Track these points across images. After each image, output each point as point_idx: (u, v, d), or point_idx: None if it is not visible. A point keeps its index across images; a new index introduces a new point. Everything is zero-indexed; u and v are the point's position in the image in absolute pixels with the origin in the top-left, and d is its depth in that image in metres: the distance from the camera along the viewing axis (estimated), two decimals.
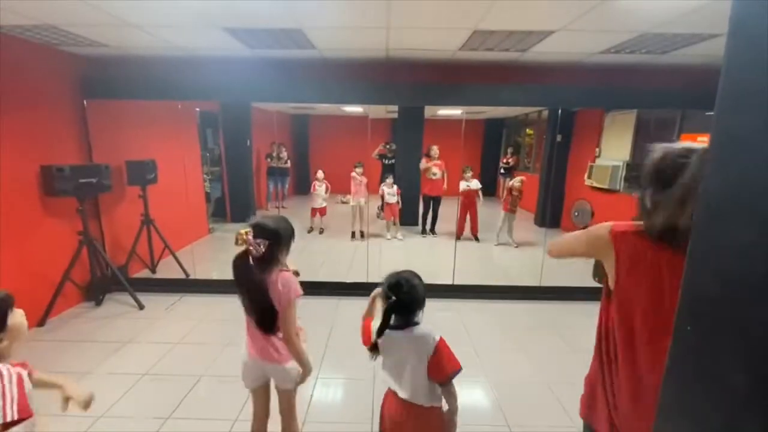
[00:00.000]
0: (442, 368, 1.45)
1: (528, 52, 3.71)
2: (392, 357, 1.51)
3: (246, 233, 1.54)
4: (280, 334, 1.67)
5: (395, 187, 6.44)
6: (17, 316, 1.26)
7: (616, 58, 3.81)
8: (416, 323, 1.49)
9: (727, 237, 0.52)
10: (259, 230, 1.55)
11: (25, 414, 1.10)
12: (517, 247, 6.26)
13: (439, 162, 6.60)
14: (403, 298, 1.44)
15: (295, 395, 1.83)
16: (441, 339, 1.47)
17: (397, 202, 6.48)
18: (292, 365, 1.72)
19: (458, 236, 6.30)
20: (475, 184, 6.37)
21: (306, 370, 1.73)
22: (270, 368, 1.74)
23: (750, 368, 0.47)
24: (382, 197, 6.52)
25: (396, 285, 1.46)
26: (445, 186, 6.65)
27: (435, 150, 6.61)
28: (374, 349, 1.51)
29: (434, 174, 6.55)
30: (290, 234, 1.65)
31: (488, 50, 3.67)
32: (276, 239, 1.57)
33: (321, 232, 6.84)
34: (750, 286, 0.48)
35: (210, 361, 3.01)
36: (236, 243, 1.56)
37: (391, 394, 1.56)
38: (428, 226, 6.90)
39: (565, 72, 4.29)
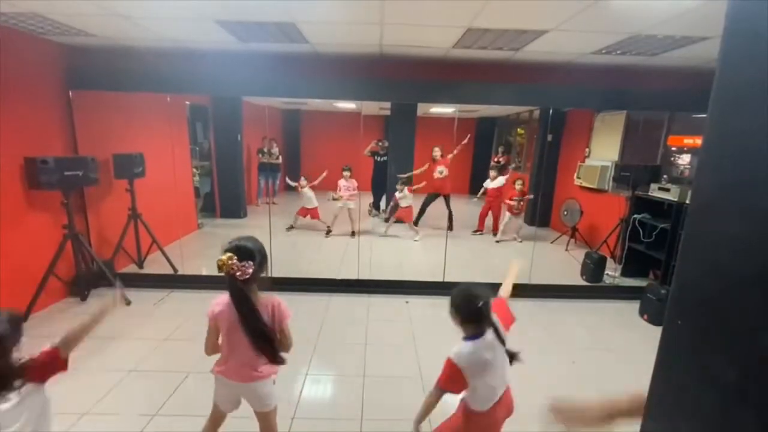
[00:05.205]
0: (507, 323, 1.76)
1: (521, 51, 3.73)
2: (495, 360, 1.61)
3: (229, 259, 1.49)
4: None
5: (405, 189, 6.37)
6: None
7: (608, 59, 3.85)
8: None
9: (718, 232, 0.52)
10: (243, 252, 1.55)
11: None
12: (514, 240, 6.55)
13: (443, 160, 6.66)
14: (484, 304, 1.59)
15: (275, 416, 1.84)
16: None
17: (409, 205, 6.43)
18: (269, 383, 1.77)
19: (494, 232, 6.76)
20: (499, 181, 6.61)
21: None
22: (246, 388, 1.74)
23: (742, 362, 0.47)
24: (388, 204, 6.46)
25: (471, 297, 1.59)
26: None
27: (437, 150, 6.69)
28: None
29: (440, 172, 6.59)
30: (265, 252, 1.69)
31: (482, 48, 3.67)
32: (259, 258, 1.60)
33: (328, 232, 6.66)
34: (741, 280, 0.48)
35: (198, 358, 2.95)
36: (220, 271, 1.49)
37: (492, 406, 1.65)
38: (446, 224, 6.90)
39: (557, 72, 4.31)
